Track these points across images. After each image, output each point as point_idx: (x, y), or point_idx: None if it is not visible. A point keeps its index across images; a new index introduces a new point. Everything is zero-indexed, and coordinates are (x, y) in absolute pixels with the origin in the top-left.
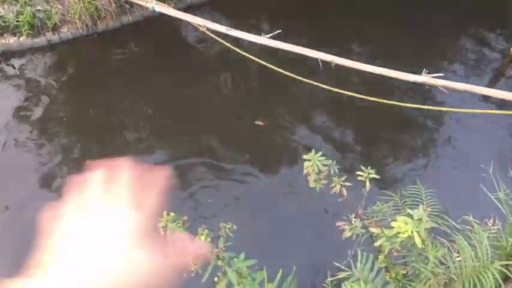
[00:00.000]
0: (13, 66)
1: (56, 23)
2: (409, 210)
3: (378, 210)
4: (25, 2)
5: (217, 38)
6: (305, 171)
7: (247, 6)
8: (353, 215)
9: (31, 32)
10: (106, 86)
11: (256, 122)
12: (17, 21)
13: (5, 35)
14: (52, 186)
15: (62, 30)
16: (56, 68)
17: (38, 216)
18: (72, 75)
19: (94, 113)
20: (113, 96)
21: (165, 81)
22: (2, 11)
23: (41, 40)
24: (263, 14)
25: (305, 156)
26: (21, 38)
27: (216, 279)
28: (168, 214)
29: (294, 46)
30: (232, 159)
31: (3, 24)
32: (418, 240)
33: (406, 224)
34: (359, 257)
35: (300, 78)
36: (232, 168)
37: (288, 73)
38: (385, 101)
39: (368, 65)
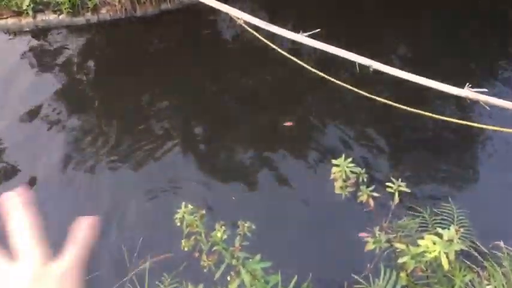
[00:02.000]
0: (50, 43)
1: (96, 4)
2: (440, 230)
3: (404, 225)
4: None
5: (254, 32)
6: (332, 176)
7: (286, 2)
8: (377, 228)
9: (71, 10)
10: (137, 71)
11: (285, 124)
12: None
13: (45, 12)
14: (74, 167)
15: (101, 11)
16: (91, 48)
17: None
18: (106, 57)
19: (122, 97)
20: (142, 81)
21: (195, 72)
22: None
23: (79, 19)
24: (302, 11)
25: (334, 161)
26: (61, 16)
27: (229, 278)
28: (186, 206)
29: (332, 47)
30: (257, 159)
31: (44, 0)
32: (445, 262)
33: (434, 243)
34: (382, 273)
35: (337, 81)
36: (257, 168)
37: (323, 74)
38: (422, 112)
39: (407, 73)
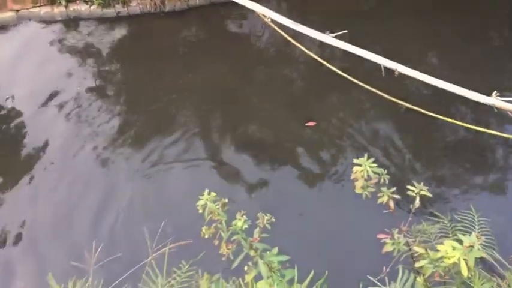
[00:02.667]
0: (80, 33)
1: None
2: (460, 235)
3: (423, 229)
4: None
5: (280, 31)
6: (353, 176)
7: (316, 3)
8: (397, 230)
9: (102, 2)
10: (163, 65)
11: (308, 124)
12: None
13: (77, 2)
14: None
15: (131, 4)
16: (119, 40)
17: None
18: (133, 49)
19: (145, 89)
20: (167, 75)
21: (219, 68)
22: None
23: (110, 11)
24: (329, 12)
25: (355, 161)
26: (92, 7)
27: (246, 268)
28: (209, 193)
29: (358, 48)
30: (278, 158)
31: None
32: (464, 269)
33: (453, 249)
34: (400, 275)
35: (361, 83)
36: (278, 165)
37: (347, 76)
38: (447, 118)
39: (434, 78)
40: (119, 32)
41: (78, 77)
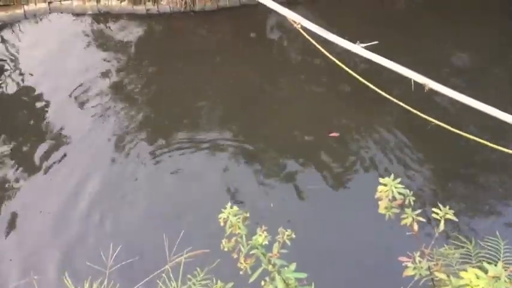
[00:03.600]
0: (110, 28)
1: None
2: (486, 264)
3: (445, 254)
4: None
5: (309, 38)
6: (377, 195)
7: (346, 12)
8: (418, 253)
9: None
10: (188, 64)
11: (331, 134)
12: None
13: None
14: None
15: (161, 2)
16: (148, 37)
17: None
18: (161, 47)
19: (170, 87)
20: (192, 75)
21: (243, 72)
22: None
23: (140, 8)
24: (362, 22)
25: (381, 180)
26: (123, 3)
27: (263, 283)
28: (231, 207)
29: (388, 61)
30: (299, 169)
31: None
32: None
33: (477, 277)
34: None
35: (389, 96)
36: (298, 177)
37: (376, 88)
38: (475, 138)
39: (464, 96)
40: (148, 30)
41: (104, 71)
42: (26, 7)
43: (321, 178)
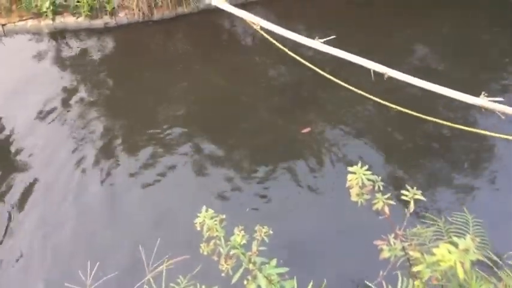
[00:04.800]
0: (68, 45)
1: (114, 8)
2: (455, 238)
3: (418, 233)
4: None
5: (269, 38)
6: (348, 183)
7: (300, 9)
8: (392, 236)
9: (89, 13)
10: (152, 73)
11: (303, 130)
12: (78, 1)
13: (64, 14)
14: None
15: (119, 15)
16: (108, 50)
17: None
18: (122, 59)
19: (135, 97)
20: (156, 82)
21: (208, 75)
22: None
23: (98, 22)
24: (317, 18)
25: (350, 169)
26: (79, 19)
27: (245, 282)
28: (206, 210)
29: (347, 53)
30: (272, 164)
31: (64, 3)
32: (460, 272)
33: (449, 252)
34: (399, 281)
35: (352, 87)
36: (273, 174)
37: (339, 81)
38: (436, 119)
39: (423, 81)
40: (108, 43)
41: (66, 88)
42: None
43: (295, 173)
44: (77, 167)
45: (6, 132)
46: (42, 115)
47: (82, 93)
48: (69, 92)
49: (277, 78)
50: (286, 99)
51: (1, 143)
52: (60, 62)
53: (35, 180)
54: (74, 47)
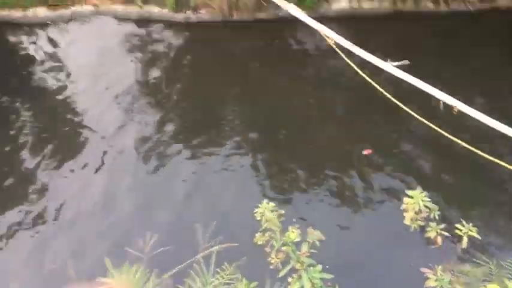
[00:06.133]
0: (150, 33)
1: (197, 4)
2: (506, 281)
3: (467, 271)
4: None
5: (342, 54)
6: (403, 206)
7: (376, 32)
8: (440, 267)
9: (174, 6)
10: (222, 72)
11: (364, 152)
12: None
13: (151, 3)
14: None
15: (200, 11)
16: (185, 44)
17: None
18: (195, 53)
19: (202, 91)
20: (222, 80)
21: (275, 83)
22: None
23: (179, 16)
24: (393, 42)
25: (408, 192)
26: (164, 10)
27: (290, 279)
28: (267, 203)
29: (419, 81)
30: (333, 179)
31: None
32: None
33: None
34: None
35: (419, 117)
36: (331, 188)
37: (407, 109)
38: (505, 164)
39: (494, 120)
40: (186, 36)
41: (139, 73)
42: (73, 8)
43: (352, 191)
44: (137, 146)
45: (76, 105)
46: (110, 93)
47: (152, 78)
48: (139, 75)
49: (339, 96)
50: (350, 118)
51: (68, 117)
52: (139, 47)
53: (98, 153)
54: (154, 35)
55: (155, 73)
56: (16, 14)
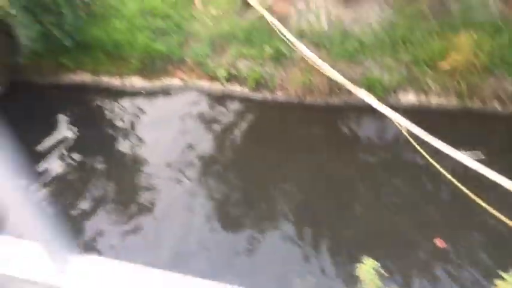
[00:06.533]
0: (227, 109)
1: (274, 86)
2: None
3: None
4: (260, 63)
5: (413, 142)
6: None
7: (446, 126)
8: None
9: (253, 86)
10: (287, 152)
11: (437, 241)
12: (247, 74)
13: (232, 82)
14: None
15: (276, 92)
16: (258, 122)
17: None
18: (267, 131)
19: (262, 169)
20: (288, 163)
21: (339, 171)
22: (240, 64)
23: (257, 95)
24: (468, 133)
25: (503, 274)
26: (245, 89)
27: None
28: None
29: (492, 171)
30: (402, 271)
31: (235, 73)
32: None
33: None
34: None
35: (496, 212)
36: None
37: (482, 202)
38: None
39: None
40: (261, 115)
41: (209, 150)
42: (164, 80)
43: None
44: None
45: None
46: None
47: (220, 152)
48: (208, 149)
49: (411, 184)
50: (419, 207)
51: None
52: (214, 120)
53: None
54: (231, 111)
55: (226, 150)
56: (115, 81)
